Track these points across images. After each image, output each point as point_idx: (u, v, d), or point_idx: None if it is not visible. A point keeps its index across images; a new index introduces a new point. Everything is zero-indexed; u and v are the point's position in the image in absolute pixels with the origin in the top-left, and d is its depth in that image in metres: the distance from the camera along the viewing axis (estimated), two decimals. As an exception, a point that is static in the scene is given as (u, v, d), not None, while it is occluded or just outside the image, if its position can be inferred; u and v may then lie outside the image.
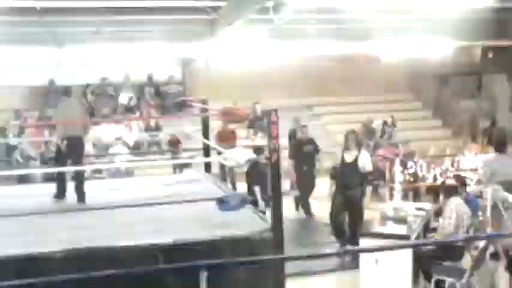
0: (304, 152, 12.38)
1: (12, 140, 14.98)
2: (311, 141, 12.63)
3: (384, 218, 8.26)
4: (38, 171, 13.35)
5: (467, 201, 8.37)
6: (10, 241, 6.51)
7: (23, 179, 12.74)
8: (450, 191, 8.16)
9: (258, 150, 10.03)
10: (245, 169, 12.20)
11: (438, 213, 8.66)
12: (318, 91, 19.93)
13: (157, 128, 16.59)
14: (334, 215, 9.76)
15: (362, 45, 16.99)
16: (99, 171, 14.27)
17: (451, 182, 8.43)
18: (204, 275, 5.63)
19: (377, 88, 20.11)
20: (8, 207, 8.29)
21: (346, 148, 9.72)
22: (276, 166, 6.76)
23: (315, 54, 18.93)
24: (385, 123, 17.79)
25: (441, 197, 9.56)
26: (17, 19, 12.79)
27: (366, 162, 9.55)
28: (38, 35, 14.48)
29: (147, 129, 16.57)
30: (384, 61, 20.54)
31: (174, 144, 14.71)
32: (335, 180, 10.55)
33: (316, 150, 12.59)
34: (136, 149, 16.04)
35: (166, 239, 6.38)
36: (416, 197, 12.40)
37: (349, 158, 9.57)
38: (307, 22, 14.45)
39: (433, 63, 20.30)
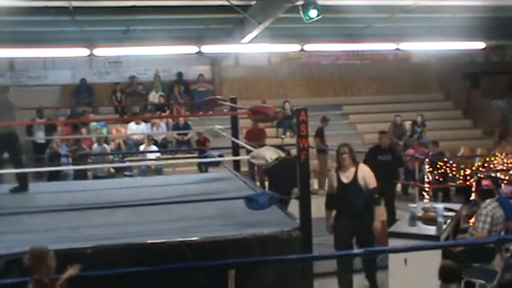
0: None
1: (40, 138, 15.19)
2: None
3: (413, 218, 8.20)
4: (65, 168, 13.52)
5: (501, 202, 8.25)
6: (42, 237, 6.61)
7: (53, 176, 12.93)
8: (485, 193, 8.04)
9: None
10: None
11: (470, 215, 8.56)
12: (347, 90, 19.85)
13: (186, 126, 16.68)
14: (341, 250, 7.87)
15: (392, 45, 16.87)
16: (129, 168, 14.44)
17: (485, 183, 8.29)
18: (232, 273, 5.67)
19: (407, 87, 19.95)
20: (39, 204, 8.43)
21: (340, 166, 7.85)
22: (305, 165, 6.75)
23: (344, 53, 18.91)
24: (414, 123, 17.65)
25: (473, 198, 9.46)
26: (50, 19, 12.96)
27: (367, 178, 7.66)
28: (70, 34, 14.66)
29: (176, 127, 16.66)
30: (414, 60, 20.40)
31: (203, 142, 14.77)
32: (333, 209, 8.04)
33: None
34: (165, 147, 16.14)
35: (194, 236, 6.42)
36: (446, 197, 12.29)
37: (345, 178, 7.72)
38: (336, 21, 14.41)
39: (464, 62, 20.11)
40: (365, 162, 10.52)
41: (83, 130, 15.85)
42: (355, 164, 7.75)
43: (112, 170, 14.21)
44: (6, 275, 5.79)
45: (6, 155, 9.52)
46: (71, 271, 4.95)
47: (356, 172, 7.62)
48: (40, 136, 15.31)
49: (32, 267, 4.83)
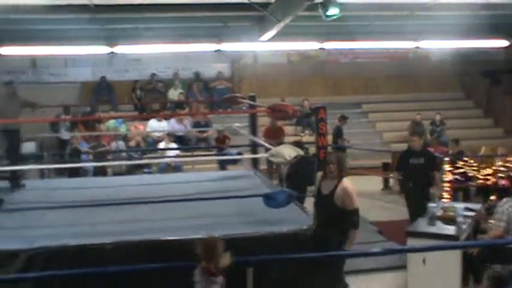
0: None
1: (64, 135, 15.34)
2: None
3: (432, 218, 8.15)
4: (85, 165, 13.64)
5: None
6: (62, 232, 6.68)
7: (74, 172, 13.04)
8: (502, 192, 7.99)
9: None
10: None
11: (489, 214, 8.49)
12: (367, 88, 19.79)
13: (205, 124, 16.73)
14: None
15: (412, 43, 16.79)
16: (148, 166, 14.51)
17: (503, 182, 8.24)
18: (250, 271, 5.68)
19: (427, 86, 19.85)
20: (60, 199, 8.52)
21: (325, 175, 6.86)
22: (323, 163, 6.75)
23: (364, 51, 18.84)
24: (433, 122, 17.56)
25: (492, 198, 9.39)
26: (71, 17, 13.05)
27: (345, 198, 6.60)
28: (90, 32, 14.76)
29: (195, 125, 16.72)
30: (434, 58, 20.29)
31: (222, 140, 14.82)
32: None
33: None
34: (184, 144, 16.20)
35: (213, 234, 6.44)
36: (466, 197, 12.21)
37: (325, 189, 6.77)
38: (355, 19, 14.37)
39: (484, 60, 19.96)
40: (397, 166, 10.46)
41: (101, 127, 15.97)
42: (340, 176, 6.69)
43: (126, 168, 14.30)
44: (28, 269, 5.87)
45: (29, 150, 9.65)
46: (228, 259, 5.15)
47: (336, 187, 6.63)
48: (64, 133, 15.47)
49: (203, 256, 5.00)
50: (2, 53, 14.91)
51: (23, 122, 9.88)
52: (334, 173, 6.64)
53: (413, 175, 9.68)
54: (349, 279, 7.38)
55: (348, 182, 6.65)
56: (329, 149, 8.05)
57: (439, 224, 8.09)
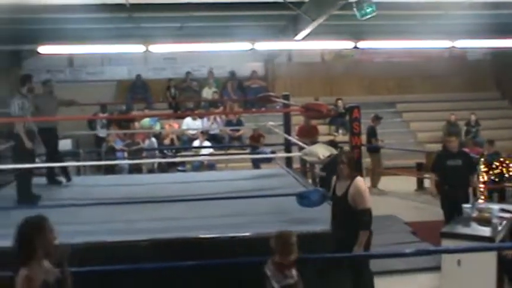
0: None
1: (100, 132, 15.54)
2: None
3: (467, 219, 8.08)
4: (120, 163, 13.79)
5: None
6: (98, 229, 6.79)
7: (110, 170, 13.21)
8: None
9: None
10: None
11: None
12: (401, 88, 19.64)
13: (239, 122, 16.79)
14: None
15: (448, 42, 16.60)
16: (182, 164, 14.63)
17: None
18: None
19: (462, 86, 19.61)
20: (96, 196, 8.65)
21: (338, 176, 6.54)
22: (357, 163, 6.74)
23: (398, 50, 18.68)
24: (468, 122, 17.36)
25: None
26: (107, 16, 13.22)
27: (356, 197, 6.23)
28: (126, 31, 14.92)
29: (227, 124, 16.79)
30: (470, 58, 20.05)
31: (255, 139, 14.86)
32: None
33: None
34: (218, 143, 16.29)
35: (246, 232, 6.49)
36: (502, 198, 12.04)
37: (340, 190, 6.43)
38: (390, 18, 14.27)
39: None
40: (433, 168, 10.29)
41: (135, 125, 16.14)
42: (352, 176, 6.36)
43: (160, 165, 14.43)
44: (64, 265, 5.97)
45: (66, 147, 9.81)
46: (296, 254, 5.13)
47: (349, 187, 6.30)
48: (100, 131, 15.68)
49: (277, 250, 5.03)
50: (41, 52, 15.15)
51: (61, 120, 10.05)
52: (345, 173, 6.34)
53: (450, 177, 9.43)
54: (382, 280, 7.36)
55: (360, 181, 6.32)
56: (363, 149, 8.03)
57: (474, 225, 8.00)
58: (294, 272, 5.05)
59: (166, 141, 16.02)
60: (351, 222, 6.18)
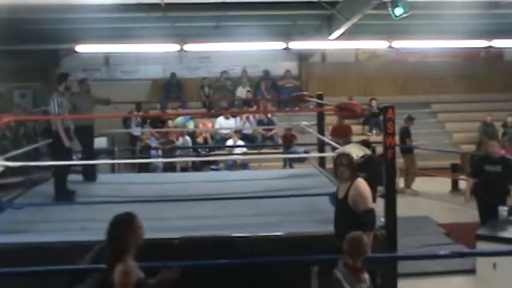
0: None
1: (135, 130, 15.70)
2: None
3: (504, 222, 7.96)
4: (155, 161, 13.91)
5: None
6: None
7: (144, 168, 13.34)
8: None
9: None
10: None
11: None
12: (436, 88, 19.43)
13: (270, 122, 16.80)
14: None
15: (484, 42, 16.39)
16: (215, 162, 14.70)
17: None
18: (315, 270, 5.71)
19: (499, 86, 19.33)
20: (130, 194, 8.74)
21: (339, 179, 6.33)
22: (391, 163, 6.71)
23: (434, 50, 18.51)
24: (505, 123, 17.10)
25: None
26: (142, 15, 13.35)
27: (357, 198, 5.96)
28: (161, 30, 15.05)
29: (259, 123, 16.81)
30: (507, 58, 19.76)
31: (289, 139, 14.86)
32: None
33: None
34: (251, 142, 16.32)
35: (278, 232, 6.50)
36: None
37: (341, 192, 6.16)
38: (425, 17, 14.14)
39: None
40: (471, 173, 10.04)
41: (169, 123, 16.27)
42: (353, 178, 6.09)
43: (193, 164, 14.52)
44: (100, 260, 6.06)
45: (102, 146, 9.93)
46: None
47: (349, 189, 6.02)
48: (135, 129, 15.85)
49: (349, 252, 5.06)
50: (78, 51, 15.38)
51: (96, 118, 10.18)
52: (345, 175, 6.08)
53: (488, 183, 9.07)
54: (417, 282, 7.33)
55: (360, 182, 6.03)
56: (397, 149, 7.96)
57: (510, 228, 7.89)
58: (366, 275, 5.03)
59: (200, 140, 16.09)
60: (351, 225, 5.79)
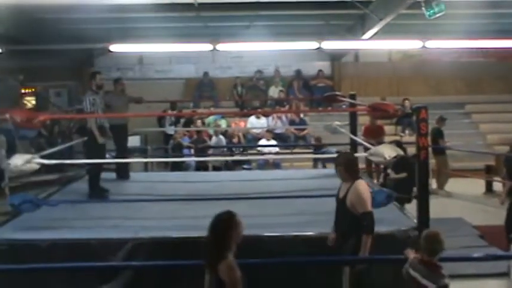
0: None
1: (168, 129, 15.83)
2: None
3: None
4: (187, 159, 14.00)
5: None
6: (164, 224, 6.94)
7: (176, 166, 13.42)
8: None
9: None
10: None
11: None
12: (471, 88, 19.19)
13: (302, 122, 16.78)
14: None
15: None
16: (247, 162, 14.73)
17: None
18: (346, 270, 5.69)
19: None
20: (163, 192, 8.83)
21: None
22: (424, 164, 6.66)
23: (468, 50, 18.28)
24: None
25: None
26: (176, 15, 13.45)
27: (355, 200, 5.79)
28: (194, 30, 15.14)
29: (292, 123, 16.79)
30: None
31: (319, 139, 14.82)
32: None
33: None
34: (283, 142, 16.32)
35: (310, 231, 6.49)
36: None
37: (342, 192, 6.01)
38: (459, 17, 13.98)
39: None
40: (508, 175, 9.87)
41: (198, 122, 16.37)
42: (353, 179, 5.89)
43: (226, 163, 14.57)
44: (132, 258, 6.14)
45: (134, 143, 10.02)
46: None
47: (348, 190, 5.87)
48: (168, 128, 15.98)
49: (426, 249, 5.03)
50: (112, 50, 15.54)
51: (130, 117, 10.28)
52: (343, 176, 5.94)
53: None
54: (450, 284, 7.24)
55: (360, 185, 5.84)
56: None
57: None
58: (444, 272, 5.01)
59: (235, 140, 16.13)
60: (348, 226, 5.81)
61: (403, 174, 9.95)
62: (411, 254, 5.13)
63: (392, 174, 10.28)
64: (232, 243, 4.37)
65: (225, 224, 4.42)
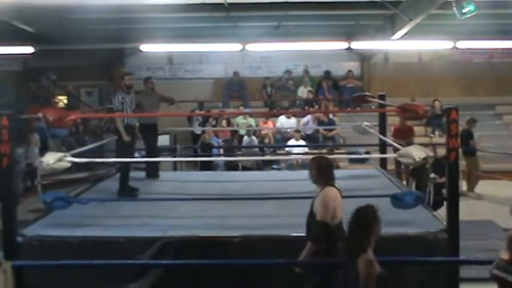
0: None
1: (196, 129, 15.91)
2: None
3: None
4: (216, 159, 14.05)
5: None
6: (193, 223, 6.97)
7: (205, 166, 13.47)
8: None
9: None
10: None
11: None
12: (501, 90, 18.93)
13: (331, 122, 16.73)
14: None
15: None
16: (276, 162, 14.74)
17: None
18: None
19: None
20: (192, 192, 8.88)
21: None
22: (454, 166, 6.60)
23: (500, 51, 18.07)
24: None
25: None
26: (206, 15, 13.52)
27: (318, 207, 5.49)
28: (224, 30, 15.20)
29: (320, 123, 16.74)
30: None
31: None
32: None
33: None
34: (312, 142, 16.29)
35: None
36: None
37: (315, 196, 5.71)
38: (491, 17, 13.82)
39: None
40: None
41: (223, 122, 16.43)
42: (324, 184, 5.60)
43: (255, 163, 14.60)
44: (162, 256, 6.19)
45: (164, 144, 10.08)
46: None
47: (318, 194, 5.60)
48: (197, 127, 16.07)
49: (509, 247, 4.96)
50: (143, 50, 15.67)
51: (159, 116, 10.35)
52: (315, 179, 5.65)
53: None
54: (477, 287, 7.17)
55: (327, 191, 5.53)
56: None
57: None
58: None
59: (266, 140, 16.13)
60: (316, 235, 5.48)
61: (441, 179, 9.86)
62: (505, 255, 5.02)
63: (438, 179, 10.18)
64: (372, 238, 4.38)
65: (369, 218, 4.44)
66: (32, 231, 6.53)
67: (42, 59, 16.02)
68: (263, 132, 16.50)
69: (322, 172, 5.64)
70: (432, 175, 10.20)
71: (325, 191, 5.54)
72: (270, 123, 17.12)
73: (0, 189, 6.39)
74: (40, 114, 7.06)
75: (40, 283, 6.09)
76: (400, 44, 15.52)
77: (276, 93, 18.39)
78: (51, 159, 6.75)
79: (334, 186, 5.63)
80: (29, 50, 14.44)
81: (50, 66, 17.41)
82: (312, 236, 5.45)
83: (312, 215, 5.56)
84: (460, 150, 8.52)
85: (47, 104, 16.04)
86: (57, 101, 18.13)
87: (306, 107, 18.07)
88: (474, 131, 14.04)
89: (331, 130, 16.65)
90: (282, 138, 16.45)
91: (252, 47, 15.72)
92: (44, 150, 9.78)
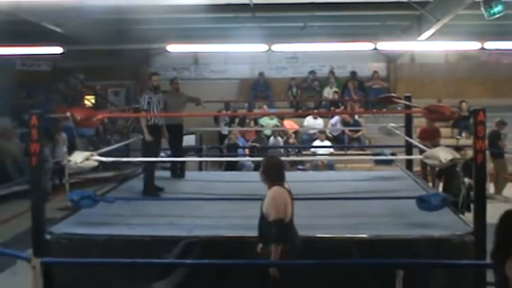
0: None
1: (223, 129, 15.96)
2: None
3: None
4: (242, 159, 14.06)
5: None
6: (217, 223, 7.01)
7: (231, 166, 13.50)
8: None
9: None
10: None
11: None
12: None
13: (356, 123, 16.66)
14: None
15: None
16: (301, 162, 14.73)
17: None
18: (400, 274, 5.64)
19: None
20: (217, 192, 8.91)
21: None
22: (481, 168, 6.54)
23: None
24: None
25: None
26: (231, 15, 13.56)
27: (267, 206, 5.50)
28: (250, 30, 15.21)
29: (346, 124, 16.69)
30: None
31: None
32: None
33: None
34: (337, 143, 16.25)
35: (363, 234, 6.46)
36: None
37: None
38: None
39: None
40: None
41: (251, 123, 16.45)
42: (271, 184, 5.59)
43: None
44: (186, 256, 6.23)
45: (190, 143, 10.11)
46: None
47: (266, 195, 5.60)
48: (223, 128, 16.13)
49: None
50: (169, 50, 15.75)
51: (184, 116, 10.41)
52: (264, 180, 5.64)
53: None
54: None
55: (274, 191, 5.52)
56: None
57: None
58: None
59: (291, 141, 16.13)
60: (265, 232, 5.53)
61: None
62: None
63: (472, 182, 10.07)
64: None
65: None
66: (60, 229, 6.62)
67: (70, 59, 16.18)
68: (290, 132, 16.47)
69: (270, 172, 5.64)
70: (466, 179, 10.08)
71: (271, 191, 5.55)
72: (292, 124, 17.06)
73: (30, 188, 6.48)
74: (68, 114, 7.15)
75: (67, 280, 6.18)
76: (426, 45, 15.40)
77: (301, 94, 18.38)
78: (78, 158, 6.84)
79: (282, 186, 5.61)
80: (57, 50, 14.58)
81: (78, 67, 17.61)
82: (273, 237, 5.40)
83: (263, 216, 5.53)
84: (487, 153, 8.47)
85: (75, 104, 16.25)
86: (85, 100, 18.34)
87: (332, 108, 18.02)
88: (503, 133, 13.88)
89: (357, 131, 16.59)
90: (308, 139, 16.42)
91: (277, 47, 15.70)
92: (71, 149, 9.89)
